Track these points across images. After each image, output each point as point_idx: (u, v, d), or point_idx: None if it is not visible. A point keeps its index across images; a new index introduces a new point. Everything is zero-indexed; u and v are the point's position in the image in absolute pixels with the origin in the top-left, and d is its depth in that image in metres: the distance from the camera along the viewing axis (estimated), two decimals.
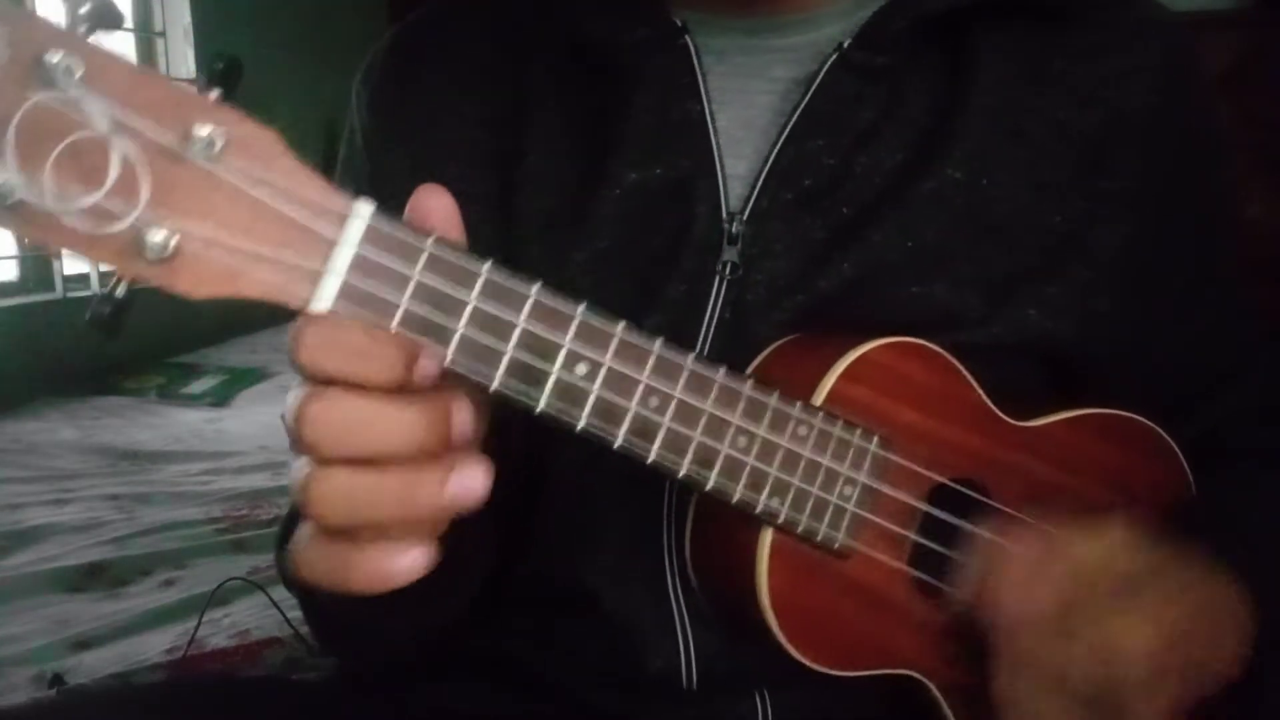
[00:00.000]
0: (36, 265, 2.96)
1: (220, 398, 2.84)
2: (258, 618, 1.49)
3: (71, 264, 3.01)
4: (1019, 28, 0.64)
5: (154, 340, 3.12)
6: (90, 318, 0.40)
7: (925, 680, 0.58)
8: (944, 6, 0.61)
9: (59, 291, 2.95)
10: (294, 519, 0.54)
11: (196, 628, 1.43)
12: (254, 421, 2.61)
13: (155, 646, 1.43)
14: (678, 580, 0.62)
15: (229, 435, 2.53)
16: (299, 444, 0.40)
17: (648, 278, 0.61)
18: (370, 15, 3.93)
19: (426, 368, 0.41)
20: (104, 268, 0.38)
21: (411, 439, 0.40)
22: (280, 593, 1.51)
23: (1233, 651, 0.56)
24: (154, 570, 1.70)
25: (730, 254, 0.61)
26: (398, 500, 0.40)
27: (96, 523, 1.89)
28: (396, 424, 0.40)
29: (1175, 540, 0.56)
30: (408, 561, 0.41)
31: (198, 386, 2.91)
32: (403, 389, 0.40)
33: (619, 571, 0.62)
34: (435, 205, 0.43)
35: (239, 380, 2.96)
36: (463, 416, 0.42)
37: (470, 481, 0.41)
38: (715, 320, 0.61)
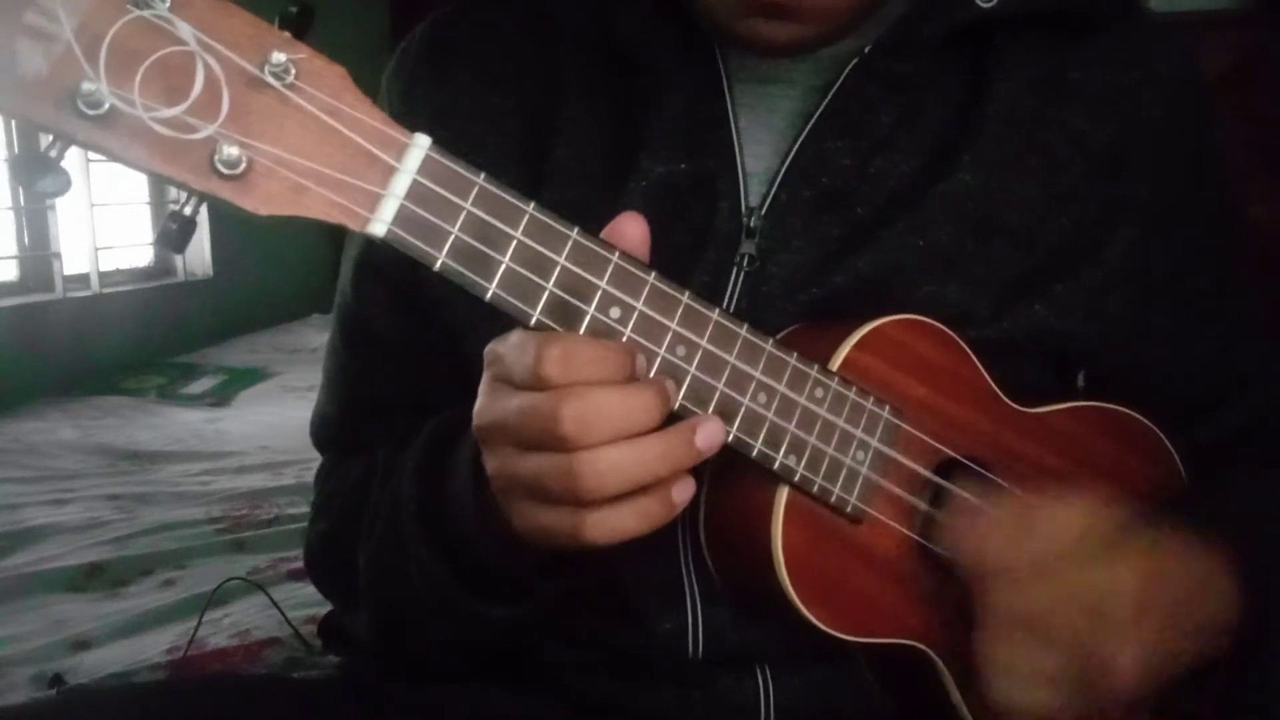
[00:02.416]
0: (36, 265, 2.96)
1: (220, 398, 2.84)
2: (258, 618, 1.49)
3: (71, 264, 3.01)
4: (1037, 39, 0.66)
5: (154, 340, 3.13)
6: (159, 235, 0.43)
7: (931, 653, 0.59)
8: (966, 19, 0.63)
9: (59, 291, 2.94)
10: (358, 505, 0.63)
11: (196, 628, 1.43)
12: (254, 421, 2.61)
13: (155, 646, 1.43)
14: (690, 554, 0.63)
15: (229, 435, 2.53)
16: (561, 440, 0.46)
17: (669, 268, 0.63)
18: (370, 15, 3.93)
19: (644, 364, 0.49)
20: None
21: (657, 409, 0.48)
22: (280, 592, 1.51)
23: (1218, 623, 0.57)
24: (154, 570, 1.70)
25: (748, 247, 0.63)
26: (663, 459, 0.48)
27: (96, 523, 1.89)
28: (643, 400, 0.47)
29: (1159, 516, 0.57)
30: (684, 493, 0.50)
31: (198, 386, 2.91)
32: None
33: (632, 542, 0.63)
34: (631, 231, 0.50)
35: (239, 380, 2.96)
36: (671, 385, 0.50)
37: (713, 429, 0.50)
38: (732, 310, 0.62)
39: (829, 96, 0.64)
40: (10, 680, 1.35)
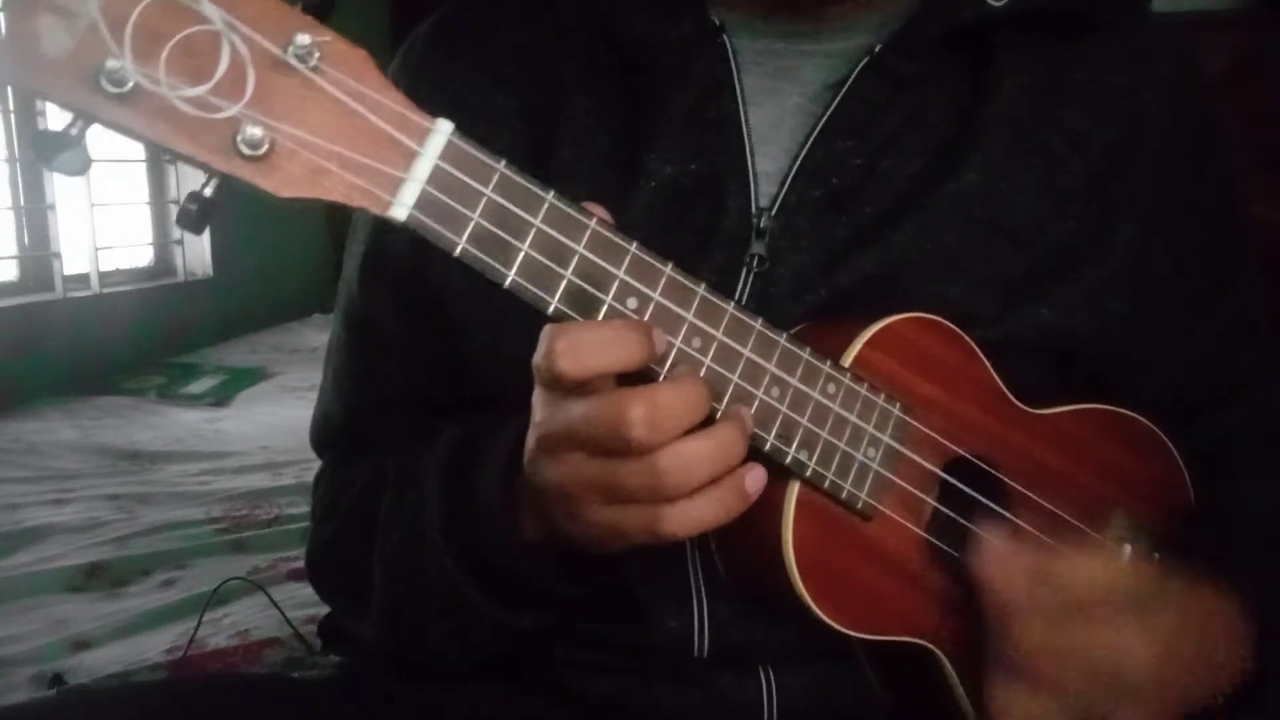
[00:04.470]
0: (36, 265, 2.96)
1: (220, 398, 2.84)
2: (258, 618, 1.48)
3: (71, 264, 3.01)
4: (1040, 40, 0.66)
5: (154, 340, 3.12)
6: (179, 216, 0.43)
7: (938, 651, 0.59)
8: (972, 18, 0.63)
9: (59, 291, 2.94)
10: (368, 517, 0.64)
11: (196, 628, 1.43)
12: (254, 421, 2.61)
13: (155, 646, 1.43)
14: (696, 552, 0.63)
15: (229, 435, 2.53)
16: (635, 443, 0.47)
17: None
18: (370, 15, 3.93)
19: (659, 339, 0.49)
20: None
21: (709, 398, 0.49)
22: (280, 593, 1.51)
23: (1229, 667, 0.57)
24: (154, 570, 1.70)
25: (758, 248, 0.63)
26: (740, 443, 0.49)
27: (96, 523, 1.88)
28: (699, 390, 0.49)
29: (1173, 560, 0.57)
30: (758, 482, 0.51)
31: (198, 386, 2.91)
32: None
33: None
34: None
35: (239, 380, 2.96)
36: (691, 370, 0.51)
37: (748, 414, 0.51)
38: None
39: (839, 96, 0.64)
40: (10, 680, 1.34)
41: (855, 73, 0.63)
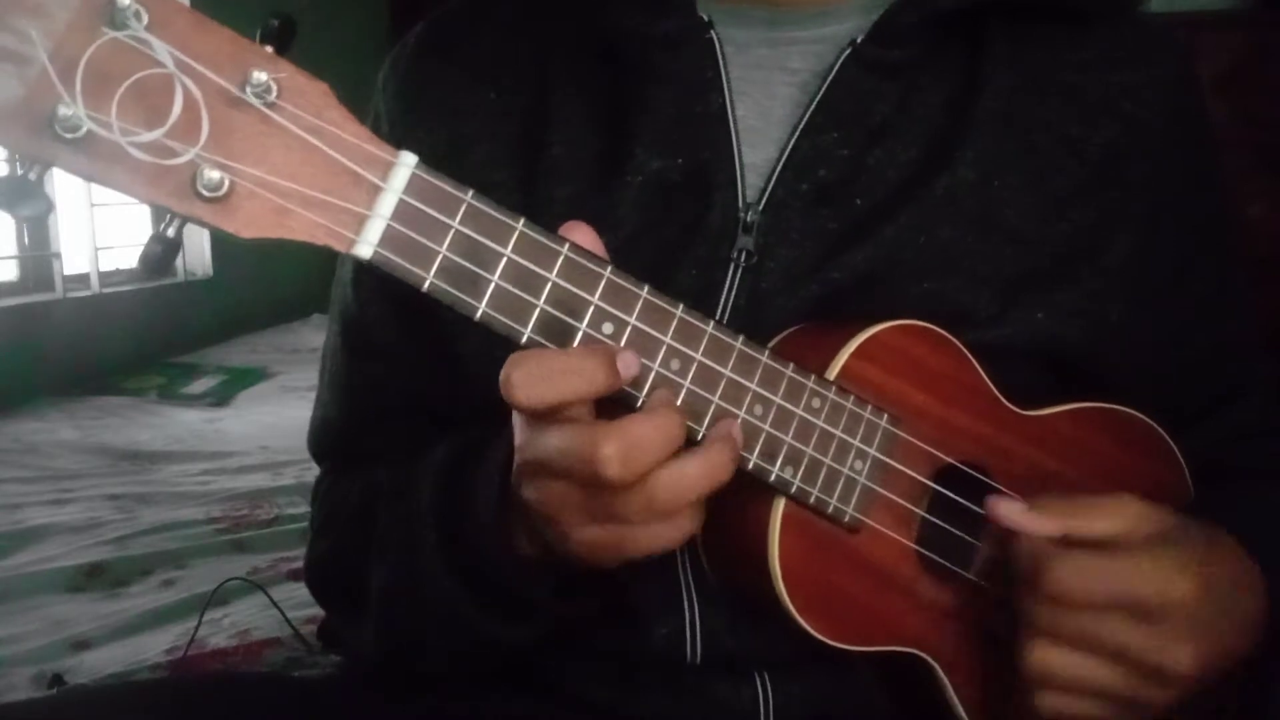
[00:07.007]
0: (36, 265, 2.97)
1: (220, 398, 2.84)
2: (258, 618, 1.49)
3: (71, 264, 3.01)
4: (1032, 34, 0.65)
5: (154, 340, 3.12)
6: (142, 257, 0.42)
7: (930, 660, 0.58)
8: (954, 5, 0.62)
9: (59, 291, 2.94)
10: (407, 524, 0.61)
11: (196, 628, 1.43)
12: (254, 421, 2.62)
13: (155, 646, 1.43)
14: (687, 559, 0.63)
15: (229, 435, 2.53)
16: (609, 480, 0.46)
17: (666, 264, 0.62)
18: (370, 16, 3.93)
19: (629, 363, 0.47)
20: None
21: (684, 429, 0.48)
22: (280, 593, 1.51)
23: (1251, 617, 0.56)
24: (154, 570, 1.70)
25: (745, 242, 0.62)
26: (730, 462, 0.49)
27: (96, 523, 1.89)
28: (676, 422, 0.48)
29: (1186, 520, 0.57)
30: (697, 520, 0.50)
31: (198, 386, 2.91)
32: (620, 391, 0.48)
33: None
34: (583, 241, 0.49)
35: (239, 380, 2.96)
36: (669, 395, 0.50)
37: (736, 429, 0.50)
38: (730, 307, 0.62)
39: (823, 87, 0.63)
40: (10, 680, 1.35)
41: (838, 62, 0.63)
